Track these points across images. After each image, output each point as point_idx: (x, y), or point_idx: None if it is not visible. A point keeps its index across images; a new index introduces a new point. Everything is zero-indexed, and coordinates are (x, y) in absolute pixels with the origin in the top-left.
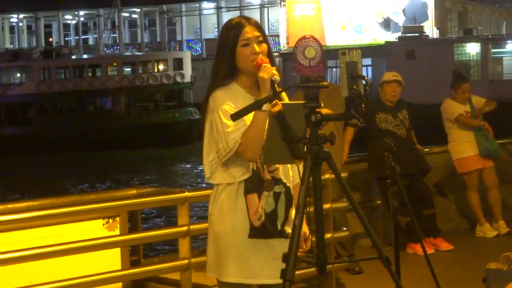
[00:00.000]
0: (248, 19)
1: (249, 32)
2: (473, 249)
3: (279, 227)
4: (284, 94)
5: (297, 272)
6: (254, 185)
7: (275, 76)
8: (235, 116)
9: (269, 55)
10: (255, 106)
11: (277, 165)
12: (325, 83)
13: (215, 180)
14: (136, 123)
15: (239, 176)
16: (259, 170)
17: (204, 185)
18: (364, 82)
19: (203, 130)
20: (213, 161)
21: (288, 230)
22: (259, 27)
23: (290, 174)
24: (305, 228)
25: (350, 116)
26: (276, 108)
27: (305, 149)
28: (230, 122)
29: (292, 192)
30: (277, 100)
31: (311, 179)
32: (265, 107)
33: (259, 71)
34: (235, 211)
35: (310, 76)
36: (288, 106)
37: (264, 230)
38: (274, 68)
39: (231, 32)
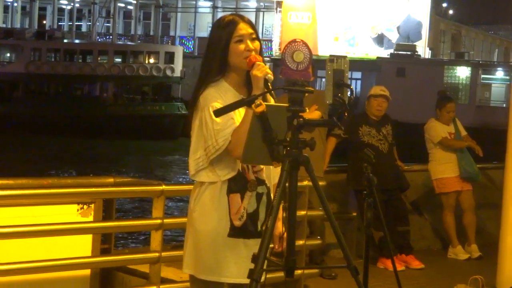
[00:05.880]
0: (242, 17)
1: (243, 28)
2: (443, 269)
3: (259, 227)
4: (270, 96)
5: (267, 276)
6: (238, 184)
7: (269, 75)
8: (218, 113)
9: (261, 53)
10: (239, 105)
11: (262, 166)
12: (310, 88)
13: (200, 178)
14: (122, 113)
15: (223, 175)
16: (244, 171)
17: (183, 180)
18: (349, 91)
19: (192, 127)
20: (200, 159)
21: None
22: (252, 24)
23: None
24: (282, 229)
25: (332, 123)
26: (260, 109)
27: (284, 152)
28: (219, 120)
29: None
30: (261, 101)
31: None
32: None
33: (253, 69)
34: (217, 209)
35: (296, 80)
36: (271, 108)
37: (244, 230)
38: (268, 66)
39: (225, 29)
